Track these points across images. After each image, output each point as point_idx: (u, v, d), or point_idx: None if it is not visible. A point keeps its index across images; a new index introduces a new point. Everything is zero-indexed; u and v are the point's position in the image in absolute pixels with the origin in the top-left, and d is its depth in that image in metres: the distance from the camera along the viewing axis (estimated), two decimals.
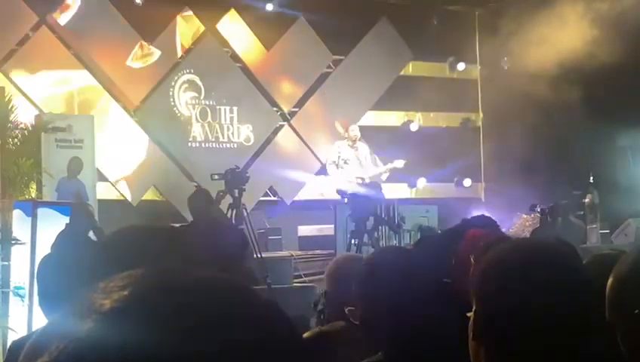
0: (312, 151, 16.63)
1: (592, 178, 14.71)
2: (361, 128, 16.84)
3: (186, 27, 15.66)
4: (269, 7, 15.92)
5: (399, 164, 14.34)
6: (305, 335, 3.93)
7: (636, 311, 2.03)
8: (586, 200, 14.42)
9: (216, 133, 15.88)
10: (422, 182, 16.81)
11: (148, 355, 0.82)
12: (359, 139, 14.48)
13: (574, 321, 1.96)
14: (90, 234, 9.36)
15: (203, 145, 15.73)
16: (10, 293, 9.25)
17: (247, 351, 0.86)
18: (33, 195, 11.40)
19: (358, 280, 3.21)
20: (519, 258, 2.07)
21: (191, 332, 0.84)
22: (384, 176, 14.70)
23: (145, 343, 0.82)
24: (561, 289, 1.97)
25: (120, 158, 14.66)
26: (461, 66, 17.70)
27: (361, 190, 13.13)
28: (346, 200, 12.88)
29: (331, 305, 4.37)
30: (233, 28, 16.02)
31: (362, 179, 13.32)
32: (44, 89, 14.17)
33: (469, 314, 3.76)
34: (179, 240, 2.20)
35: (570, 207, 14.05)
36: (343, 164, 14.08)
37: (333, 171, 14.10)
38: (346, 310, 3.59)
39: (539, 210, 14.06)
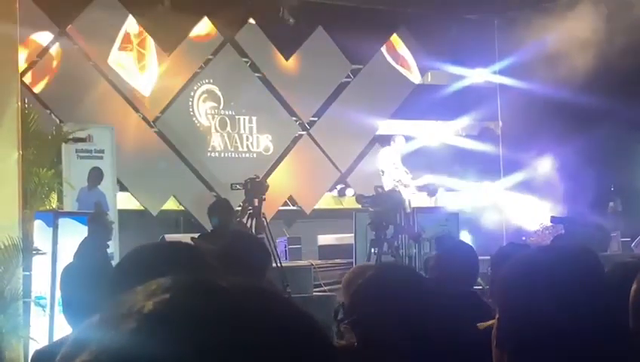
0: (331, 160, 16.63)
1: (612, 186, 14.65)
2: (380, 137, 16.93)
3: (205, 37, 15.71)
4: (283, 15, 15.99)
5: (427, 179, 15.30)
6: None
7: None
8: (609, 207, 14.35)
9: (236, 142, 15.91)
10: (442, 190, 16.78)
11: (190, 359, 0.82)
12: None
13: (598, 329, 1.95)
14: (110, 243, 9.40)
15: (222, 154, 15.76)
16: (32, 303, 9.29)
17: (285, 358, 0.86)
18: (54, 206, 11.45)
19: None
20: (542, 266, 2.06)
21: (232, 337, 0.84)
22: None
23: (187, 347, 0.83)
24: (584, 298, 1.96)
25: (140, 168, 14.70)
26: (480, 74, 17.66)
27: (381, 199, 13.12)
28: (370, 209, 12.87)
29: (348, 317, 4.35)
30: (252, 38, 16.05)
31: (382, 187, 13.31)
32: (64, 100, 14.23)
33: (479, 325, 3.74)
34: (199, 256, 2.22)
35: (592, 215, 13.97)
36: (393, 169, 14.50)
37: (392, 172, 14.74)
38: (341, 327, 3.56)
39: (559, 218, 13.99)
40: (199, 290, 0.88)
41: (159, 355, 0.82)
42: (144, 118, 15.19)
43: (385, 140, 16.59)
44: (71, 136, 12.04)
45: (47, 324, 9.06)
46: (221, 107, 15.80)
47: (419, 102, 16.97)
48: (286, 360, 0.86)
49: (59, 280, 3.63)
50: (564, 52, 14.49)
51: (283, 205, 16.08)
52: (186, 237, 10.72)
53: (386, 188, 14.47)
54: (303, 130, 16.62)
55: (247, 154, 15.98)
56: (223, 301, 0.88)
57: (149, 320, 0.85)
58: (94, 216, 9.59)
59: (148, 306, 0.86)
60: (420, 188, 15.28)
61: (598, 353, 1.95)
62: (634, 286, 2.12)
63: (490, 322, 3.36)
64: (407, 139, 15.82)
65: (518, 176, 16.52)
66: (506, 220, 17.03)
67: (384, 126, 17.14)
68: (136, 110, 15.11)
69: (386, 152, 15.12)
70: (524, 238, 14.69)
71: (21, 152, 10.17)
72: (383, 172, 14.84)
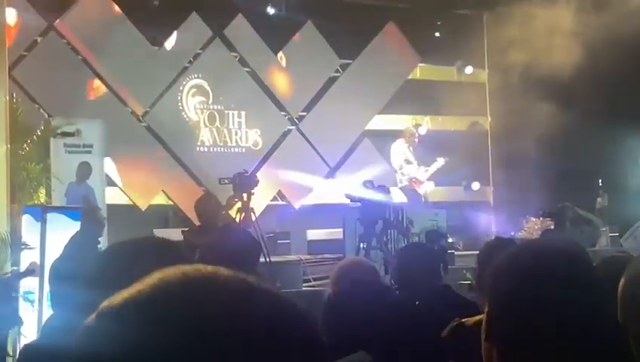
0: (321, 155, 16.64)
1: (600, 181, 14.69)
2: (370, 132, 16.94)
3: (194, 32, 15.68)
4: (273, 11, 15.99)
5: (441, 161, 15.19)
6: None
7: None
8: (597, 203, 14.40)
9: (225, 137, 15.90)
10: (430, 185, 16.79)
11: (138, 354, 0.82)
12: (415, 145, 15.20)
13: (586, 322, 1.95)
14: (101, 239, 9.39)
15: (211, 149, 15.75)
16: (20, 298, 9.26)
17: (269, 348, 0.86)
18: (42, 200, 11.44)
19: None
20: (531, 259, 2.07)
21: (205, 328, 0.84)
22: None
23: (156, 341, 0.83)
24: (572, 291, 1.96)
25: (128, 163, 14.67)
26: (469, 70, 17.69)
27: (370, 194, 13.13)
28: (358, 204, 12.89)
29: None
30: (241, 32, 16.03)
31: (371, 182, 13.31)
32: (53, 94, 14.19)
33: (464, 320, 3.75)
34: (180, 251, 2.22)
35: (580, 210, 14.03)
36: (405, 164, 14.58)
37: (405, 168, 14.95)
38: None
39: (548, 213, 14.05)
40: (174, 283, 0.88)
41: (134, 348, 0.82)
42: (133, 113, 15.16)
43: (373, 135, 16.65)
44: (59, 131, 12.01)
45: (36, 319, 9.04)
46: (210, 102, 15.78)
47: (408, 97, 16.97)
48: (271, 350, 0.86)
49: (47, 275, 3.62)
50: (552, 46, 14.52)
51: (272, 200, 16.07)
52: (175, 232, 10.73)
53: (399, 186, 14.66)
54: (292, 125, 16.62)
55: (236, 149, 15.97)
56: (200, 292, 0.87)
57: (101, 319, 0.85)
58: (87, 212, 9.58)
59: (105, 305, 0.87)
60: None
61: (587, 346, 1.96)
62: (622, 281, 2.12)
63: (479, 317, 3.37)
64: (395, 133, 15.83)
65: (505, 170, 16.54)
66: (494, 214, 17.08)
67: (373, 121, 17.15)
68: (125, 104, 15.08)
69: (398, 147, 15.17)
70: (512, 233, 14.73)
71: (9, 146, 10.15)
72: (400, 167, 15.05)
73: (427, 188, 15.18)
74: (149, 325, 0.84)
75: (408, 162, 14.93)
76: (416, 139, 15.31)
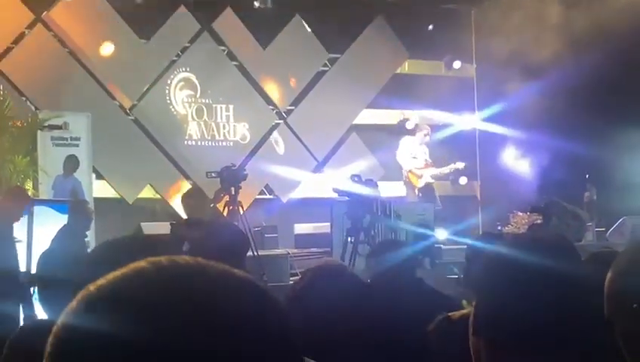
0: (308, 149, 16.64)
1: (587, 175, 14.72)
2: (357, 126, 16.94)
3: (182, 25, 15.65)
4: (260, 3, 15.95)
5: (460, 165, 15.07)
6: None
7: (635, 305, 2.04)
8: (585, 197, 14.44)
9: (213, 131, 15.88)
10: (428, 177, 16.78)
11: (114, 341, 0.83)
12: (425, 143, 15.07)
13: (573, 317, 1.96)
14: (89, 233, 9.37)
15: (199, 143, 15.73)
16: None
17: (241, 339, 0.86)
18: (29, 193, 11.40)
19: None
20: (519, 254, 2.07)
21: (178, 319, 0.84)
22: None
23: (110, 330, 0.83)
24: (560, 285, 1.97)
25: (116, 156, 14.65)
26: (457, 64, 17.68)
27: (358, 188, 13.13)
28: (346, 198, 12.88)
29: None
30: (229, 26, 16.00)
31: (358, 176, 13.31)
32: (40, 87, 14.15)
33: (450, 314, 3.77)
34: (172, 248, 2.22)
35: (567, 205, 14.05)
36: (412, 159, 14.55)
37: (406, 164, 14.88)
38: None
39: (535, 207, 14.07)
40: (151, 273, 0.88)
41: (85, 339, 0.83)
42: (120, 106, 15.13)
43: (362, 129, 16.67)
44: (46, 124, 11.99)
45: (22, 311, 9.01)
46: (198, 95, 15.76)
47: (396, 92, 16.96)
48: (243, 339, 0.86)
49: (35, 267, 3.62)
50: (540, 40, 14.54)
51: (260, 194, 16.07)
52: (163, 226, 10.71)
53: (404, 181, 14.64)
54: (280, 119, 16.61)
55: (224, 143, 15.96)
56: (176, 283, 0.88)
57: (80, 308, 0.86)
58: (76, 205, 9.56)
59: (84, 294, 0.87)
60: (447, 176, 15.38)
61: (574, 341, 1.97)
62: (609, 275, 2.13)
63: (466, 311, 3.38)
64: (383, 127, 15.84)
65: (493, 165, 16.56)
66: (481, 209, 17.11)
67: (361, 115, 17.15)
68: (113, 98, 15.04)
69: (406, 143, 15.13)
70: (499, 228, 14.75)
71: None
72: (404, 163, 14.94)
73: (425, 181, 15.05)
74: (119, 313, 0.84)
75: (414, 158, 14.89)
76: (428, 137, 15.23)
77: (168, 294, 0.86)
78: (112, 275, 0.89)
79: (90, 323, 0.85)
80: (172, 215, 13.70)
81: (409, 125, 16.89)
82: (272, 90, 16.45)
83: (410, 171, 14.93)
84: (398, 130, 16.88)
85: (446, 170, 15.05)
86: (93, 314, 0.86)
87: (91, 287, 0.88)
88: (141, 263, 0.90)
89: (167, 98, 15.50)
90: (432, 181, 15.17)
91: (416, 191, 14.86)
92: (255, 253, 11.07)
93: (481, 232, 15.37)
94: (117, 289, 0.87)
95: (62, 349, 0.85)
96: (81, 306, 0.87)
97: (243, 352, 0.85)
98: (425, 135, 15.22)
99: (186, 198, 9.83)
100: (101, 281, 0.89)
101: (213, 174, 12.18)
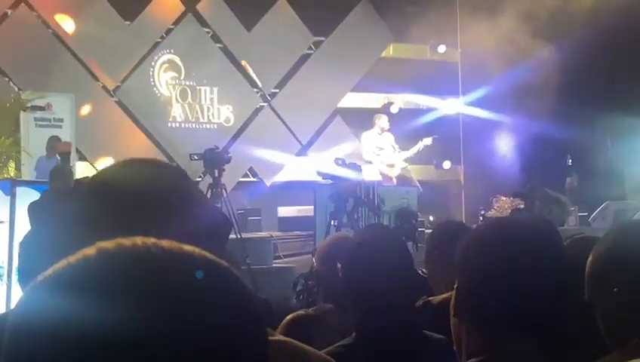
0: (292, 133, 16.62)
1: (570, 161, 14.77)
2: (342, 110, 16.93)
3: (166, 7, 15.58)
4: None
5: (428, 141, 14.81)
6: (287, 317, 3.93)
7: (615, 289, 2.06)
8: (567, 183, 14.49)
9: (197, 113, 15.84)
10: (400, 166, 16.79)
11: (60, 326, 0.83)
12: (387, 130, 14.84)
13: (554, 299, 1.97)
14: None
15: (183, 125, 15.69)
16: None
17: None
18: (12, 174, 11.37)
19: (342, 262, 3.20)
20: (499, 235, 2.08)
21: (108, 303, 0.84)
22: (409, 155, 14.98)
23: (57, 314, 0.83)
24: (540, 266, 1.98)
25: (99, 137, 14.60)
26: (442, 49, 17.67)
27: (342, 171, 13.14)
28: (330, 181, 12.88)
29: (321, 286, 4.35)
30: (214, 8, 15.94)
31: (342, 160, 13.31)
32: (23, 67, 14.07)
33: (431, 298, 3.78)
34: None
35: (549, 190, 14.10)
36: (379, 151, 14.46)
37: (375, 159, 14.60)
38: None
39: (518, 192, 14.13)
40: (123, 256, 0.88)
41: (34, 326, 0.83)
42: (104, 87, 15.07)
43: (346, 113, 16.65)
44: (30, 105, 11.93)
45: (5, 293, 9.00)
46: (182, 77, 15.71)
47: (381, 76, 16.94)
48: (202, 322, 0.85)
49: (17, 249, 3.60)
50: (525, 25, 14.55)
51: (243, 176, 16.05)
52: None
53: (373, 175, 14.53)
54: (264, 102, 16.58)
55: (208, 125, 15.92)
56: (146, 266, 0.87)
57: (33, 291, 0.86)
58: (55, 172, 9.47)
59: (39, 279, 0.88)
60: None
61: (555, 322, 1.98)
62: (590, 258, 2.14)
63: (447, 294, 3.39)
64: (368, 111, 15.82)
65: (476, 149, 16.60)
66: (465, 193, 17.15)
67: (345, 99, 17.14)
68: (96, 79, 14.98)
69: (367, 138, 14.93)
70: (482, 212, 14.79)
71: None
72: (371, 160, 14.68)
73: (398, 171, 15.00)
74: (77, 294, 0.84)
75: (380, 149, 14.74)
76: (387, 126, 15.00)
77: (112, 281, 0.85)
78: (59, 264, 0.88)
79: (38, 316, 0.84)
80: None
81: (393, 109, 16.88)
82: (257, 72, 16.38)
83: (390, 166, 14.83)
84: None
85: (414, 149, 14.86)
86: (38, 307, 0.85)
87: (38, 278, 0.88)
88: (88, 250, 0.89)
89: (151, 80, 15.44)
90: (406, 165, 15.15)
91: (394, 181, 14.80)
92: (238, 236, 11.06)
93: (464, 216, 15.46)
94: (61, 280, 0.87)
95: (12, 348, 0.85)
96: (25, 301, 0.87)
97: (193, 333, 0.84)
98: (383, 122, 14.98)
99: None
100: (48, 271, 0.88)
101: (196, 157, 12.15)
